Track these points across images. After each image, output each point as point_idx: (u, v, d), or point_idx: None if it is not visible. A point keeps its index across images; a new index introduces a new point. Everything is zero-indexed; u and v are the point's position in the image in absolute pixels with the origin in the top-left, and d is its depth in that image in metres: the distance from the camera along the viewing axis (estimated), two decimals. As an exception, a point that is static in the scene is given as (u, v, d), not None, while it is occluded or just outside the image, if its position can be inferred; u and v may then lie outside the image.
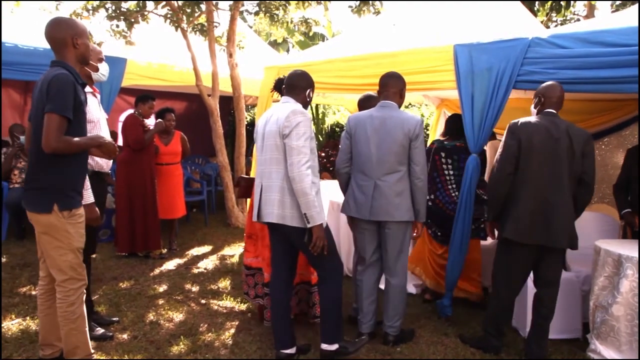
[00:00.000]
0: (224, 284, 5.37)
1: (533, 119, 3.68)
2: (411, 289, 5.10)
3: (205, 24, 7.81)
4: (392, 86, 3.93)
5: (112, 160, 4.01)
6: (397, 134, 3.77)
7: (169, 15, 7.46)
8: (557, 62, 3.88)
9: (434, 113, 8.03)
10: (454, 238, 4.37)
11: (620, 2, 10.58)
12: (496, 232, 3.93)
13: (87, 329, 3.27)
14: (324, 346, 3.56)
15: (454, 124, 4.86)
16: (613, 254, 3.72)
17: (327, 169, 10.08)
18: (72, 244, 3.09)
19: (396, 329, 3.97)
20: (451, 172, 4.75)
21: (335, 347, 3.56)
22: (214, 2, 7.62)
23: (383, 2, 7.99)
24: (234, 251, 6.73)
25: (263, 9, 7.99)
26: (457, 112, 5.16)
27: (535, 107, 3.79)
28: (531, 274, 3.88)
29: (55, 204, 3.01)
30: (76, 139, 2.96)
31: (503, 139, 3.74)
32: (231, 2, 7.62)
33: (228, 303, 4.81)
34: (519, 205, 3.64)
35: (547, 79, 3.86)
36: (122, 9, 7.42)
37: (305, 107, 3.50)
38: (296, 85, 3.52)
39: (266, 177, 3.41)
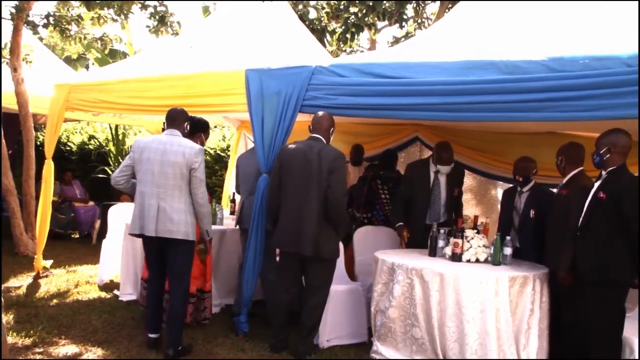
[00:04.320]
0: (7, 319, 4.89)
1: (295, 144, 4.21)
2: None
3: (-18, 33, 7.08)
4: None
5: None
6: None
7: None
8: (336, 89, 4.25)
9: (234, 134, 8.23)
10: (247, 257, 4.48)
11: (394, 39, 11.95)
12: None
13: None
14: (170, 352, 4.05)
15: (388, 159, 6.16)
16: (387, 262, 4.15)
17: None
18: None
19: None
20: (387, 196, 5.90)
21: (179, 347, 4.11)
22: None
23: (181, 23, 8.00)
24: (22, 282, 6.16)
25: (52, 22, 7.47)
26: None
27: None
28: None
29: None
30: None
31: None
32: (13, 11, 7.00)
33: (10, 339, 4.38)
34: (281, 218, 4.21)
35: (328, 104, 4.24)
36: None
37: (184, 136, 4.12)
38: (177, 119, 4.14)
39: (167, 199, 3.96)
